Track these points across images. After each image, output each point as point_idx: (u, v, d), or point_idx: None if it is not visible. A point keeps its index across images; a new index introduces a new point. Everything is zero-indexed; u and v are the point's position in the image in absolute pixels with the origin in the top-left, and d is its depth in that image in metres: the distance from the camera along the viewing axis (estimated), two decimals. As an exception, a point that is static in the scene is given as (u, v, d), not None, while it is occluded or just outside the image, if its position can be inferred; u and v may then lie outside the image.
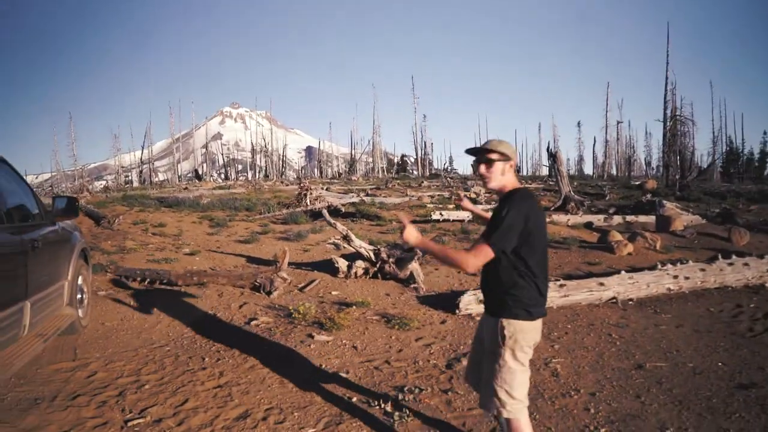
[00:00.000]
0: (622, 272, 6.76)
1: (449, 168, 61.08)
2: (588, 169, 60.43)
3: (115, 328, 5.34)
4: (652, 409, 3.50)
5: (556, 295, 6.10)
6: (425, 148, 58.15)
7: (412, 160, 60.37)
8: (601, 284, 6.40)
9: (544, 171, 48.47)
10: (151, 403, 3.59)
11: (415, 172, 54.48)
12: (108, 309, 5.97)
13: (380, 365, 4.30)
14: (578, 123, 59.94)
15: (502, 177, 2.44)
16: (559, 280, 6.51)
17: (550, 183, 28.37)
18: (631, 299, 6.46)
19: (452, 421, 3.34)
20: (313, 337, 4.96)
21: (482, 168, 2.44)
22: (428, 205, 17.98)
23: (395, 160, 65.75)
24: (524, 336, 2.35)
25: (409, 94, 54.72)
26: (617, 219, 14.15)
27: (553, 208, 17.36)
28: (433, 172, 54.10)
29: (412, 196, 22.18)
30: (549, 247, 10.31)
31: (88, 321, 5.28)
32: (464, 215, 14.21)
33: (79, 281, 5.01)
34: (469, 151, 2.54)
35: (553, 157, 19.26)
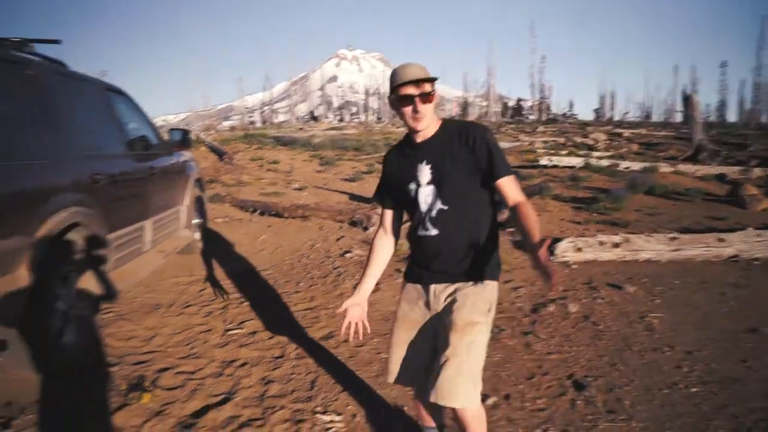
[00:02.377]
0: (749, 229, 6.07)
1: (568, 113, 57.40)
2: (732, 117, 53.66)
3: (226, 251, 5.88)
4: (757, 376, 3.19)
5: (664, 249, 5.67)
6: (543, 91, 54.93)
7: (529, 104, 57.56)
8: (721, 240, 5.81)
9: (679, 118, 43.85)
10: (248, 318, 3.96)
11: (531, 117, 51.98)
12: (223, 234, 6.57)
13: (464, 303, 4.34)
14: (722, 63, 52.92)
15: (433, 113, 1.92)
16: (671, 234, 6.01)
17: (683, 131, 25.69)
18: (756, 259, 5.80)
19: (528, 363, 3.31)
20: (400, 271, 5.10)
21: (419, 103, 1.83)
22: (539, 150, 17.19)
23: (510, 104, 63.10)
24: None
25: (527, 33, 51.51)
26: (757, 172, 12.56)
27: (681, 157, 15.80)
28: (551, 117, 51.21)
29: (524, 141, 21.30)
30: (668, 198, 9.54)
31: (203, 243, 5.85)
32: (575, 161, 13.44)
33: (195, 207, 5.53)
34: (403, 84, 1.82)
35: (686, 100, 17.35)
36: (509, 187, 1.88)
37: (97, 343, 3.36)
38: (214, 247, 6.04)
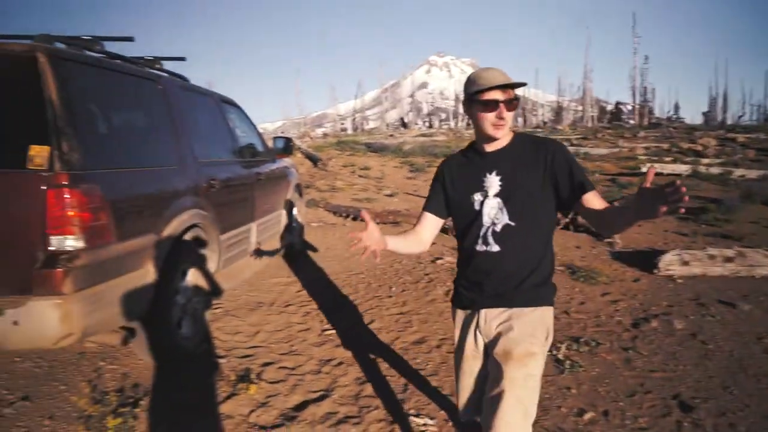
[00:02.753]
0: None
1: (673, 117, 53.60)
2: None
3: (321, 255, 6.14)
4: None
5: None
6: (645, 94, 51.73)
7: (629, 108, 54.39)
8: None
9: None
10: (345, 319, 4.12)
11: (632, 122, 49.10)
12: (318, 238, 6.87)
13: (558, 314, 4.23)
14: None
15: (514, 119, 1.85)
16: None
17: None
18: None
19: (629, 380, 3.17)
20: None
21: (504, 110, 1.72)
22: (640, 157, 16.23)
23: (608, 108, 60.00)
24: None
25: (628, 33, 48.82)
26: None
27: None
28: (653, 121, 48.04)
29: (623, 147, 20.21)
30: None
31: (301, 246, 6.15)
32: (681, 168, 12.57)
33: (294, 212, 5.84)
34: (490, 88, 1.71)
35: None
36: (597, 200, 1.74)
37: (208, 335, 3.66)
38: (311, 250, 6.33)
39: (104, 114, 2.86)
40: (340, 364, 3.39)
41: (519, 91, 1.84)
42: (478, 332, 1.87)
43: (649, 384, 3.11)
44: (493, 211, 1.80)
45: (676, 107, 58.61)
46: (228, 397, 2.92)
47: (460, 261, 1.95)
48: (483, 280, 1.84)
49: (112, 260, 2.51)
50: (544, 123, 53.89)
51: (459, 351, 1.94)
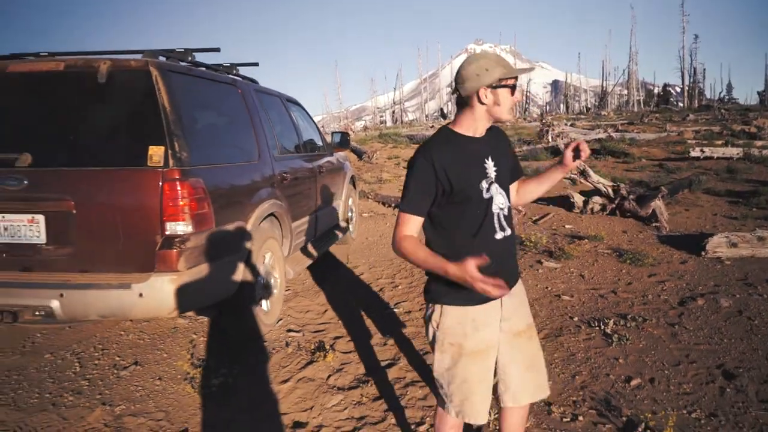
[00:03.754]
0: None
1: (725, 98, 51.43)
2: None
3: (375, 243, 6.51)
4: None
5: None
6: (694, 75, 49.87)
7: (677, 90, 52.59)
8: None
9: None
10: (403, 299, 4.48)
11: (680, 104, 47.48)
12: (370, 227, 7.25)
13: (605, 294, 4.46)
14: None
15: None
16: None
17: None
18: None
19: (674, 351, 3.38)
20: (541, 263, 5.31)
21: (518, 94, 1.82)
22: (689, 141, 15.89)
23: (655, 91, 58.10)
24: None
25: (676, 12, 47.12)
26: None
27: None
28: (704, 103, 46.29)
29: (672, 131, 19.74)
30: None
31: (356, 235, 6.53)
32: (732, 152, 12.31)
33: (350, 202, 6.21)
34: (518, 72, 1.75)
35: None
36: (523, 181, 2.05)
37: (282, 313, 4.08)
38: (365, 238, 6.71)
39: (201, 117, 3.28)
40: (402, 338, 3.74)
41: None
42: (502, 323, 1.86)
43: (694, 355, 3.32)
44: (499, 197, 1.81)
45: (729, 87, 56.20)
46: (308, 364, 3.32)
47: (467, 254, 1.59)
48: (500, 267, 1.76)
49: (213, 243, 2.93)
50: (587, 109, 52.67)
51: (480, 354, 1.82)
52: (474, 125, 1.79)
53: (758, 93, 50.80)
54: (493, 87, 1.71)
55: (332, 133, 5.68)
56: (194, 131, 3.01)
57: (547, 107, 68.08)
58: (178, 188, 2.67)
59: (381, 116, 63.17)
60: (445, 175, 1.70)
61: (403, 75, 60.26)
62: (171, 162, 2.69)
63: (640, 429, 2.48)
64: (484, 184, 1.77)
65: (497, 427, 2.20)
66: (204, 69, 3.50)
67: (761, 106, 39.85)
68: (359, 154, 15.07)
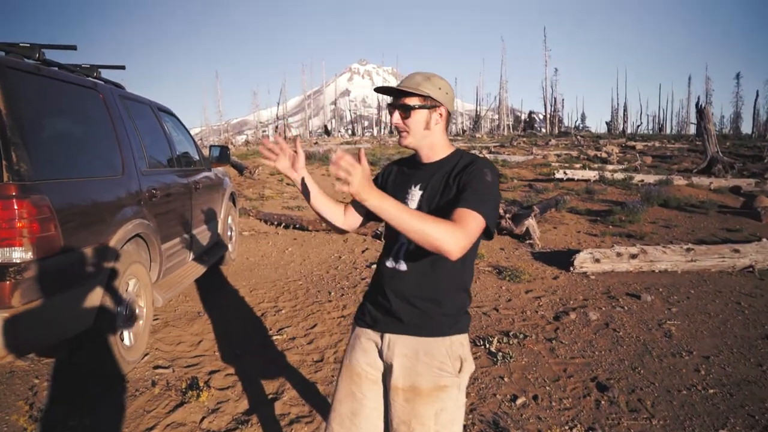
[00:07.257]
0: (764, 240, 6.23)
1: (580, 126, 57.51)
2: (747, 128, 53.48)
3: (257, 263, 6.15)
4: (772, 379, 3.38)
5: (681, 259, 5.85)
6: (555, 104, 55.15)
7: (541, 117, 57.77)
8: (736, 251, 5.98)
9: (692, 130, 43.76)
10: (286, 324, 4.21)
11: (543, 130, 52.13)
12: (251, 247, 6.85)
13: (488, 311, 4.56)
14: (737, 75, 53.00)
15: (426, 132, 1.60)
16: (686, 245, 6.18)
17: (697, 143, 25.71)
18: (771, 270, 5.96)
19: (553, 366, 3.51)
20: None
21: (396, 116, 1.60)
22: (553, 164, 17.37)
23: (522, 117, 63.31)
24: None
25: (540, 47, 51.93)
26: (773, 184, 12.67)
27: (695, 170, 15.89)
28: (563, 129, 51.35)
29: (537, 155, 21.49)
30: (683, 210, 9.69)
31: (236, 255, 6.13)
32: (590, 174, 13.61)
33: (229, 221, 5.82)
34: (380, 90, 1.64)
35: (700, 112, 17.48)
36: (461, 220, 1.39)
37: (150, 346, 3.63)
38: (245, 258, 6.32)
39: (50, 124, 2.80)
40: (287, 367, 3.48)
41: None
42: (379, 356, 1.67)
43: (571, 369, 3.47)
44: None
45: (583, 117, 63.01)
46: (178, 406, 2.94)
47: (374, 275, 1.68)
48: (387, 300, 1.61)
49: (62, 271, 2.48)
50: (463, 131, 55.91)
51: (345, 371, 1.72)
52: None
53: (606, 123, 57.54)
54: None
55: (211, 146, 5.28)
56: (40, 140, 2.54)
57: (427, 128, 70.64)
58: (15, 207, 2.22)
59: (264, 131, 61.80)
60: (380, 186, 1.69)
61: (287, 90, 59.64)
62: (6, 176, 2.23)
63: (528, 451, 2.49)
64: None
65: None
66: (56, 69, 3.02)
67: (609, 134, 45.07)
68: (240, 170, 14.45)
